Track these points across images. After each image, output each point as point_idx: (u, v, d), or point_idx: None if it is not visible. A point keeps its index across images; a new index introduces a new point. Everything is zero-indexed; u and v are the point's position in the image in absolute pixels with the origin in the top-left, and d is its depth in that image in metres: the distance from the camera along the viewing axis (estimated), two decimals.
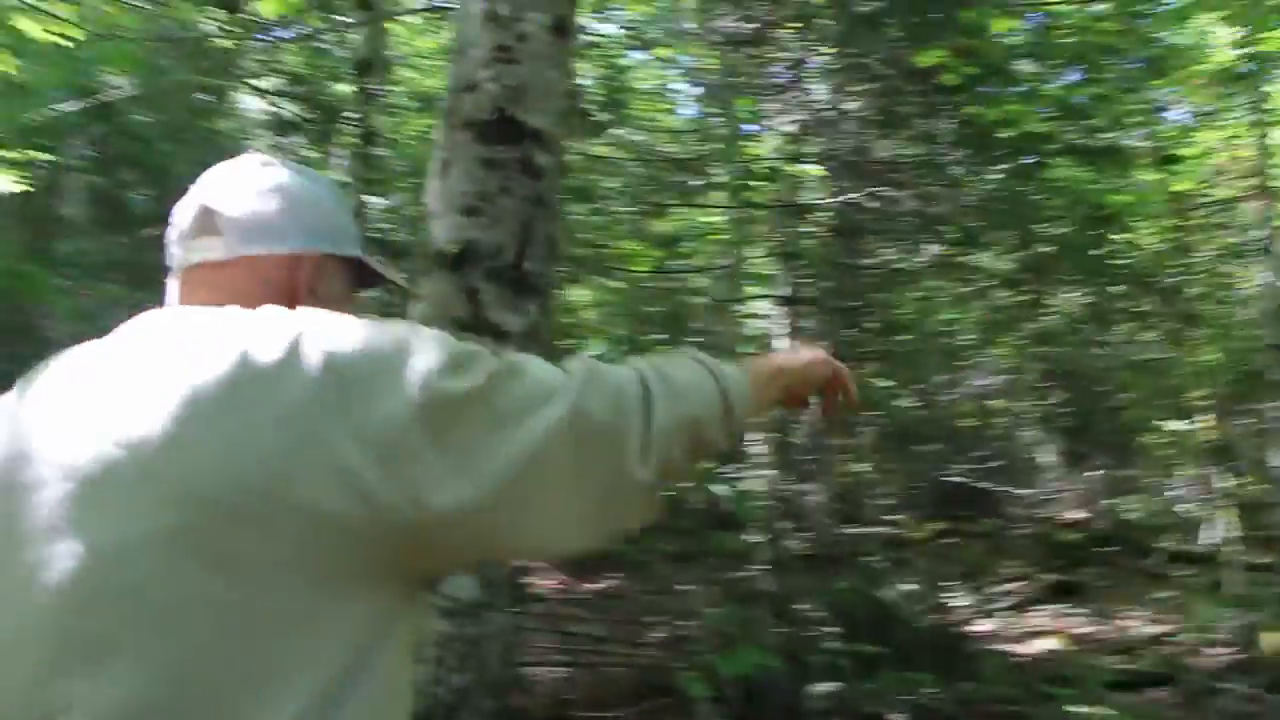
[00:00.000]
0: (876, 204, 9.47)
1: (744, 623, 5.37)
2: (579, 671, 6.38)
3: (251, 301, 1.12)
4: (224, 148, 14.66)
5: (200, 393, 0.98)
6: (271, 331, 1.03)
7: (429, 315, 2.71)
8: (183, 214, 1.28)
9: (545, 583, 10.57)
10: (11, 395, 1.12)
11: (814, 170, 8.25)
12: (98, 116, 11.38)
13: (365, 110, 5.91)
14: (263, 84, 13.43)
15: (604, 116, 10.35)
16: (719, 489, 4.80)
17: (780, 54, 8.64)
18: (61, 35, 5.47)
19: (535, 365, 1.12)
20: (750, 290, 10.94)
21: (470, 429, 1.02)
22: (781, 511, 6.08)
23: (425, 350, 1.04)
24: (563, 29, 2.86)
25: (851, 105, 9.65)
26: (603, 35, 9.53)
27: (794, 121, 9.23)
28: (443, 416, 1.01)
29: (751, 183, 7.41)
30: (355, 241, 1.34)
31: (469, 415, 1.03)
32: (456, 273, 2.69)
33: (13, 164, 7.83)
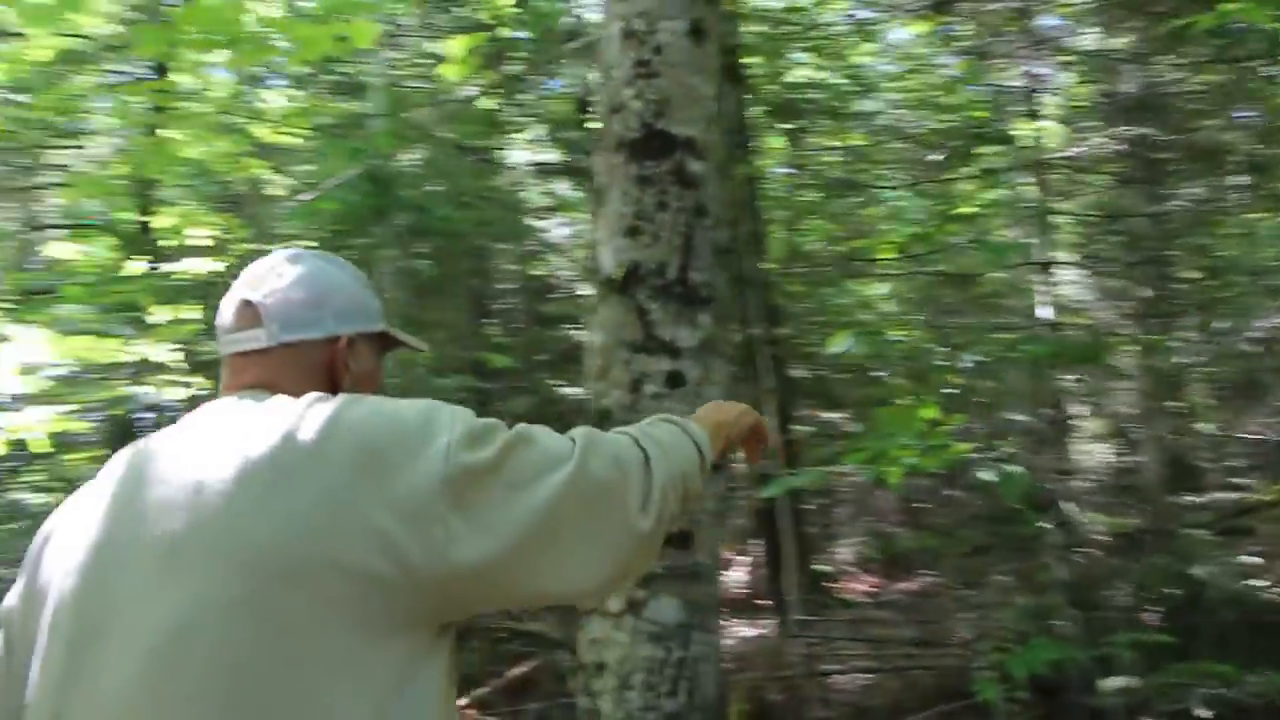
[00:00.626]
0: (1164, 141, 8.67)
1: (1038, 615, 5.01)
2: (883, 678, 6.18)
3: (294, 381, 1.34)
4: (500, 203, 15.51)
5: (253, 476, 1.15)
6: (311, 417, 1.20)
7: (604, 341, 2.71)
8: (226, 309, 1.44)
9: (858, 586, 10.36)
10: (104, 474, 1.32)
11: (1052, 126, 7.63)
12: (381, 194, 12.30)
13: (586, 145, 6.03)
14: (526, 135, 14.10)
15: (848, 106, 10.11)
16: (984, 473, 4.50)
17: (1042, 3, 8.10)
18: (290, 134, 5.96)
19: (544, 435, 1.28)
20: (1048, 256, 10.28)
21: (488, 494, 1.19)
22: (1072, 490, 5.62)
23: (446, 426, 1.21)
24: (700, 32, 2.79)
25: (1122, 42, 8.93)
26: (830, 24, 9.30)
27: (1063, 67, 8.64)
28: (463, 484, 1.17)
29: (1020, 143, 6.93)
30: (378, 315, 1.50)
31: (487, 482, 1.19)
32: (624, 295, 2.68)
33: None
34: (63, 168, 16.43)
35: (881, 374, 10.37)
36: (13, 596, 1.31)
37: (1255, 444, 12.33)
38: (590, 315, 2.77)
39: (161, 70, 10.99)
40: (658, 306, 2.64)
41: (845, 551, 11.57)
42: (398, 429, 1.20)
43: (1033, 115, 5.99)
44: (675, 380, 2.60)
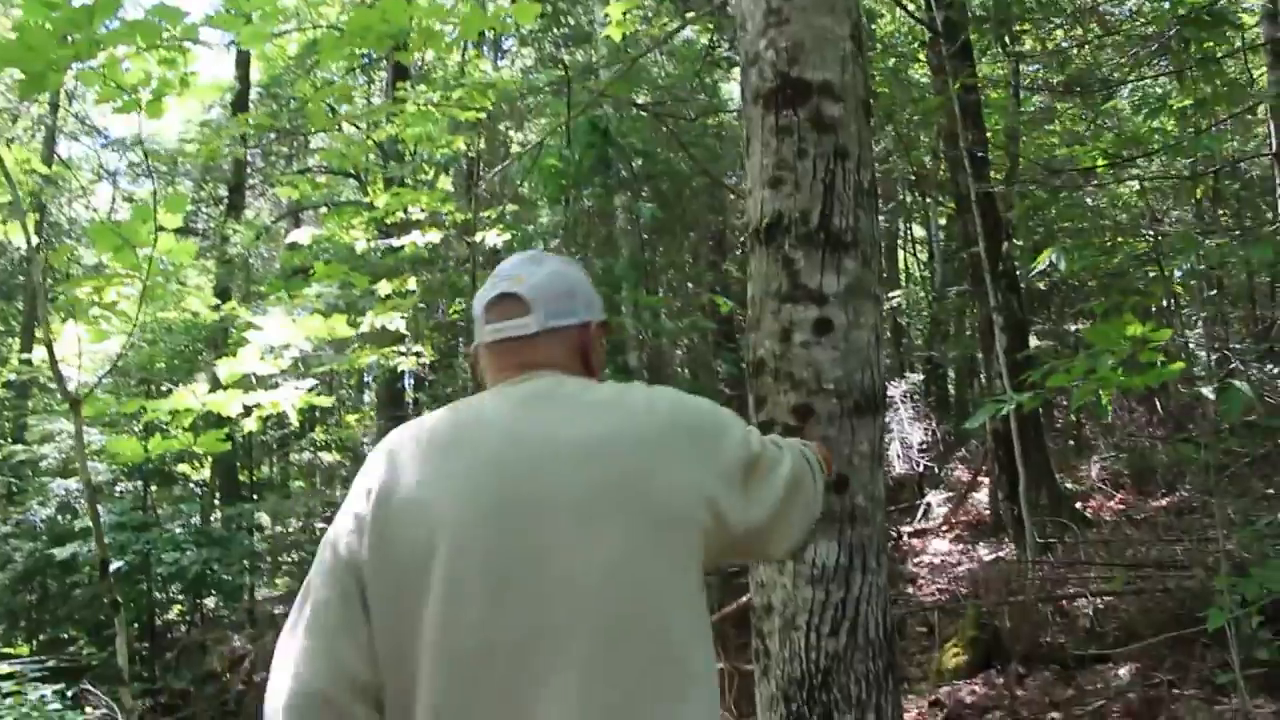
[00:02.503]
0: None
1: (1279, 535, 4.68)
2: (1118, 602, 5.94)
3: (562, 361, 1.69)
4: (727, 139, 15.48)
5: (633, 449, 1.50)
6: (645, 400, 1.61)
7: (756, 292, 2.77)
8: (486, 302, 1.73)
9: (1105, 505, 9.92)
10: (433, 437, 1.58)
11: None
12: (603, 143, 12.55)
13: None
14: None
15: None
16: (1207, 390, 4.25)
17: None
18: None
19: (760, 438, 1.80)
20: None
21: (760, 476, 1.70)
22: None
23: (730, 419, 1.73)
24: None
25: None
26: None
27: None
28: (750, 465, 1.67)
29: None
30: (603, 306, 1.87)
31: (760, 467, 1.71)
32: (770, 246, 2.72)
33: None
34: (316, 151, 17.68)
35: (1108, 285, 9.77)
36: (359, 549, 1.44)
37: None
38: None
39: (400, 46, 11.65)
40: (801, 255, 2.66)
41: (1094, 469, 11.09)
42: (705, 416, 1.66)
43: None
44: (823, 327, 2.62)
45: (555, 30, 16.54)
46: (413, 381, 14.62)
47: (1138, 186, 11.11)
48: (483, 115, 6.92)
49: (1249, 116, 9.02)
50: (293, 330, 5.00)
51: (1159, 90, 8.68)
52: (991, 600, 6.20)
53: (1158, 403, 11.97)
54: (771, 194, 2.74)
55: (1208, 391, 4.20)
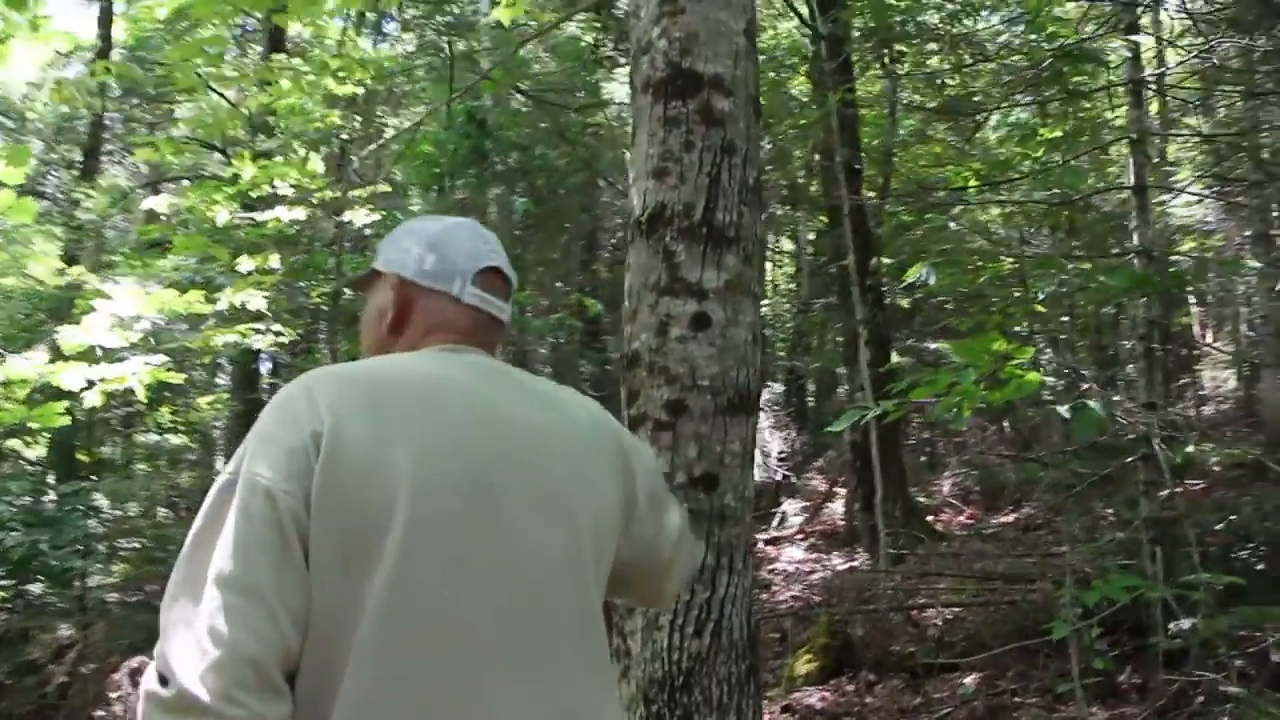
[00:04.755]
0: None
1: (1122, 552, 4.87)
2: (966, 613, 6.11)
3: (494, 351, 1.61)
4: (604, 140, 15.46)
5: (585, 452, 1.49)
6: (581, 403, 1.60)
7: (634, 284, 2.71)
8: (482, 266, 1.61)
9: (954, 519, 10.22)
10: (391, 396, 1.37)
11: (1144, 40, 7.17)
12: (479, 135, 12.37)
13: None
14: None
15: (951, 28, 9.75)
16: (1062, 409, 4.37)
17: None
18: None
19: None
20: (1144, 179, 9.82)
21: (664, 506, 1.71)
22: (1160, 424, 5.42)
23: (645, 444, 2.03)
24: None
25: None
26: None
27: None
28: (659, 495, 1.70)
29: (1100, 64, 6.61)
30: None
31: (665, 497, 1.73)
32: (651, 238, 2.67)
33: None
34: (181, 121, 16.99)
35: (969, 305, 10.09)
36: (299, 502, 1.21)
37: None
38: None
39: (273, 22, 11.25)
40: (683, 248, 2.62)
41: (945, 484, 11.42)
42: (626, 431, 1.79)
43: (1129, 30, 5.68)
44: (700, 322, 2.58)
45: (439, 17, 16.26)
46: (270, 365, 14.18)
47: (1000, 211, 11.49)
48: (359, 90, 6.71)
49: (1103, 155, 9.41)
50: (145, 301, 4.74)
51: (1028, 120, 8.98)
52: (844, 608, 6.30)
53: (1005, 423, 12.43)
54: (656, 184, 2.69)
55: (1062, 411, 4.30)
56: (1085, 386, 4.77)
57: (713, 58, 2.71)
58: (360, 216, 6.78)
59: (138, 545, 10.76)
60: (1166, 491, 4.82)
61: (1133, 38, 5.60)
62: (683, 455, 2.55)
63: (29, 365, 4.78)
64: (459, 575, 1.26)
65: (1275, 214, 11.04)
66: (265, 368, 14.35)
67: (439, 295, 1.55)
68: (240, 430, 11.85)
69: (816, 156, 11.27)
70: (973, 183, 6.96)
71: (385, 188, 8.76)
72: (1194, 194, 8.99)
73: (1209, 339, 16.38)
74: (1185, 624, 3.98)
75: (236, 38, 16.35)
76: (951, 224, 12.08)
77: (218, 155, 15.75)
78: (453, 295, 1.55)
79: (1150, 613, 4.50)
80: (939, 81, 9.25)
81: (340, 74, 5.93)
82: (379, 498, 1.23)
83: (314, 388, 1.31)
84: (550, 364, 16.14)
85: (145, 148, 5.52)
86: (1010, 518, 9.82)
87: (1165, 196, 10.13)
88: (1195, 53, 6.07)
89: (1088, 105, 7.29)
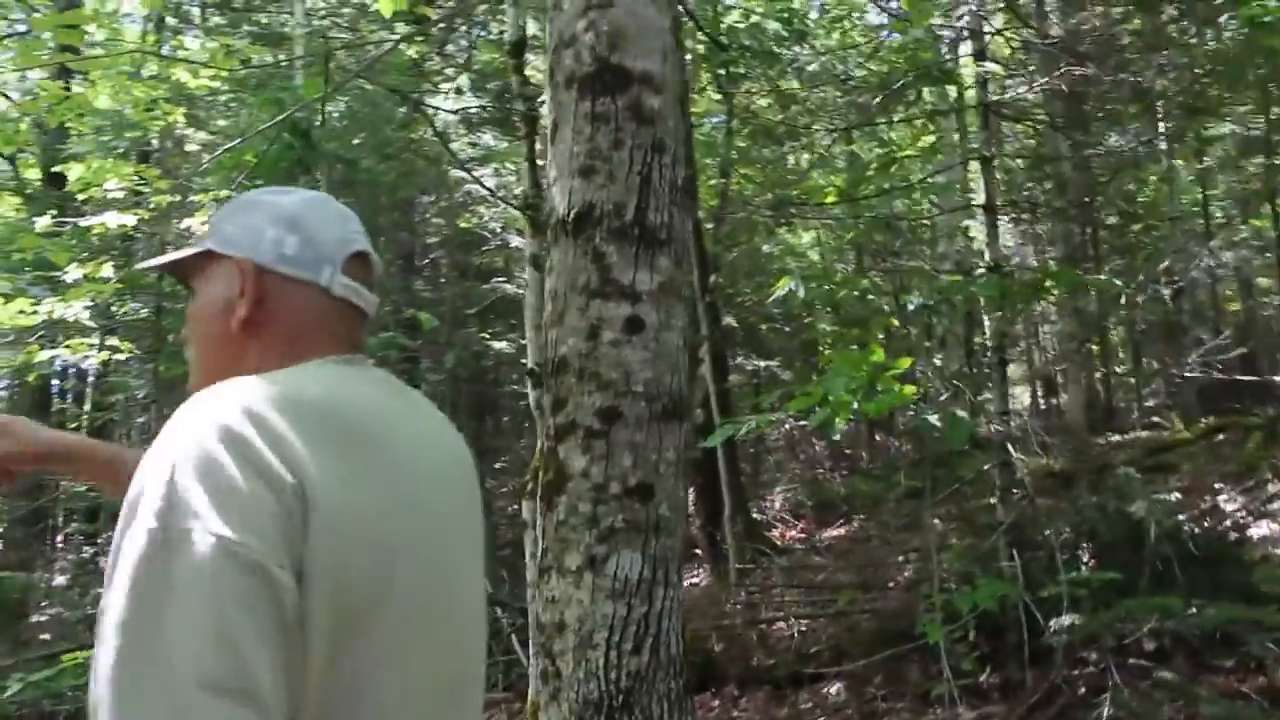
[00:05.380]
0: (1090, 88, 8.70)
1: (981, 557, 5.04)
2: (822, 623, 6.19)
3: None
4: (426, 155, 15.15)
5: (466, 475, 1.31)
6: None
7: (559, 286, 2.60)
8: (352, 251, 1.29)
9: (790, 534, 10.42)
10: (344, 432, 1.09)
11: (995, 67, 7.57)
12: (303, 146, 11.90)
13: (522, 91, 5.86)
14: (452, 85, 13.77)
15: (784, 50, 10.00)
16: (927, 419, 4.49)
17: None
18: (215, 78, 5.68)
19: None
20: (970, 200, 10.31)
21: None
22: (1019, 431, 5.65)
23: None
24: None
25: None
26: None
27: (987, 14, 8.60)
28: None
29: (942, 89, 6.89)
30: None
31: None
32: (579, 238, 2.56)
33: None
34: None
35: (813, 320, 10.37)
36: (283, 568, 0.94)
37: (1171, 383, 12.61)
38: (525, 265, 2.66)
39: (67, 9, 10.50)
40: (614, 249, 2.52)
41: (777, 499, 11.64)
42: None
43: (978, 56, 5.94)
44: (634, 325, 2.49)
45: (245, 26, 15.59)
46: (93, 379, 13.08)
47: (815, 232, 11.84)
48: (164, 94, 6.27)
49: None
50: None
51: (891, 137, 9.26)
52: (701, 624, 6.28)
53: (815, 440, 12.82)
54: (582, 183, 2.59)
55: (934, 419, 4.42)
56: (944, 396, 4.91)
57: (641, 54, 2.63)
58: (192, 224, 6.32)
59: None
60: (1020, 496, 5.01)
61: (985, 64, 5.86)
62: (617, 464, 2.45)
63: None
64: (429, 632, 1.09)
65: (1077, 239, 11.79)
66: (65, 386, 13.33)
67: (304, 286, 1.25)
68: None
69: None
70: (832, 197, 7.12)
71: (227, 193, 8.28)
72: (1008, 213, 9.47)
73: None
74: (1065, 621, 4.12)
75: (13, 37, 15.27)
76: (765, 246, 12.41)
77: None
78: (321, 286, 1.25)
79: (1010, 614, 4.65)
80: (785, 103, 9.48)
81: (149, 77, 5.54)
82: (372, 564, 1.02)
83: (267, 421, 1.01)
84: None
85: None
86: (840, 531, 10.08)
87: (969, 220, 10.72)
88: (1044, 79, 6.40)
89: (932, 128, 7.60)
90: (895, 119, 7.32)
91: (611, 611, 2.42)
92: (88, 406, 13.58)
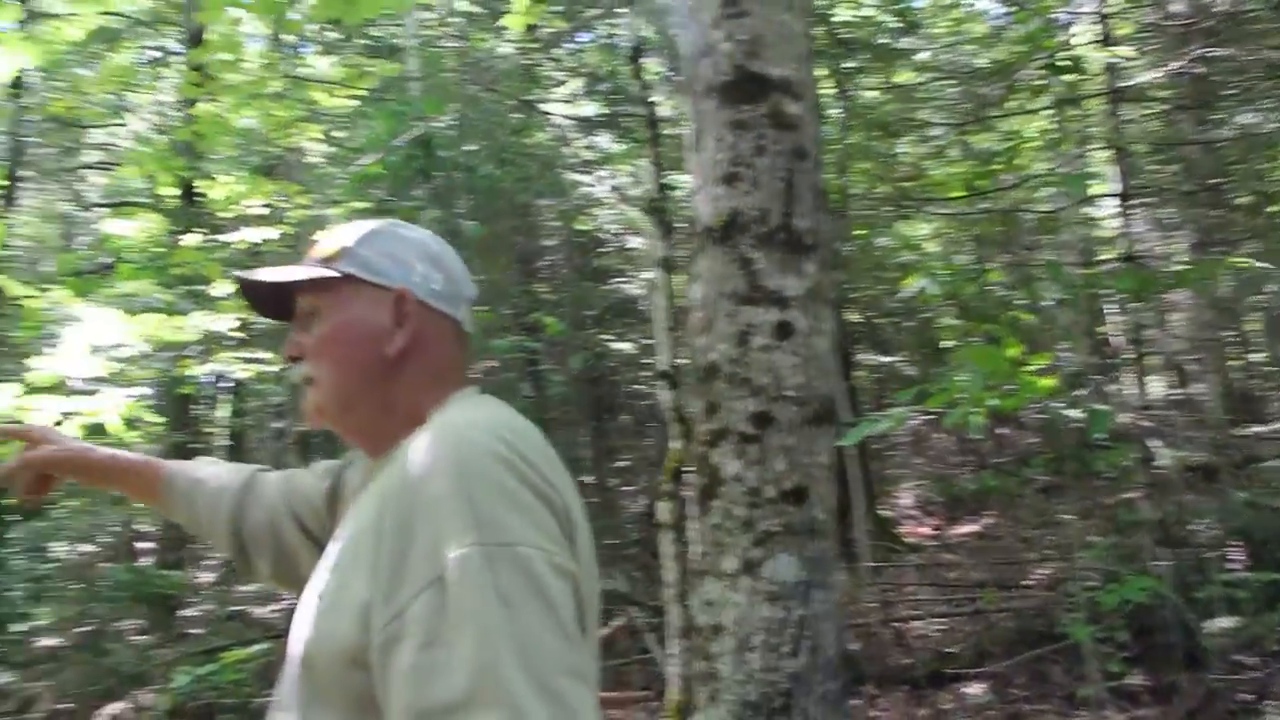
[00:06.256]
0: (1218, 66, 8.38)
1: (1127, 554, 4.90)
2: (960, 621, 6.10)
3: None
4: (541, 159, 15.37)
5: None
6: None
7: (706, 293, 2.63)
8: (472, 293, 1.38)
9: (920, 531, 10.27)
10: (539, 444, 1.18)
11: (1125, 51, 7.34)
12: (425, 156, 12.18)
13: (643, 95, 5.92)
14: (566, 89, 13.92)
15: (895, 43, 9.86)
16: (1062, 412, 4.39)
17: None
18: (349, 97, 5.87)
19: None
20: (1093, 190, 10.00)
21: None
22: (1158, 424, 5.49)
23: None
24: None
25: None
26: None
27: None
28: None
29: (1067, 77, 6.71)
30: None
31: None
32: (726, 245, 2.59)
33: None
34: (105, 146, 16.48)
35: (935, 316, 10.19)
36: (568, 557, 1.10)
37: None
38: (650, 268, 2.69)
39: (196, 41, 10.95)
40: (761, 255, 2.55)
41: (906, 496, 11.48)
42: None
43: (1104, 41, 5.77)
44: (784, 330, 2.51)
45: (360, 39, 15.99)
46: (229, 387, 13.59)
47: (940, 225, 11.63)
48: (295, 112, 6.52)
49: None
50: (126, 327, 4.48)
51: (1017, 129, 9.03)
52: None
53: (940, 434, 12.58)
54: (726, 191, 2.62)
55: (1076, 413, 4.32)
56: (1086, 391, 4.80)
57: (780, 60, 2.65)
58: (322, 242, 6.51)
59: (74, 586, 10.31)
60: (1164, 491, 4.86)
61: (1113, 49, 5.70)
62: (771, 468, 2.47)
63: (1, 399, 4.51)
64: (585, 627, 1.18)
65: (1208, 223, 11.34)
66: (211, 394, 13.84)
67: (446, 320, 1.33)
68: None
69: None
70: (953, 192, 7.01)
71: (360, 205, 8.54)
72: (1138, 200, 9.16)
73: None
74: (1223, 623, 4.00)
75: (152, 62, 15.92)
76: (884, 240, 12.22)
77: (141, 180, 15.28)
78: (459, 322, 1.34)
79: (1160, 615, 4.52)
80: (884, 99, 9.34)
81: (278, 94, 5.74)
82: (588, 578, 1.16)
83: (522, 448, 1.12)
84: (488, 390, 15.89)
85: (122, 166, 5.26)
86: (973, 526, 9.89)
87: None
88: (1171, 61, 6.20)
89: (1056, 116, 7.41)
90: (1017, 109, 7.15)
91: (769, 614, 2.45)
92: (221, 413, 14.10)
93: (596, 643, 1.18)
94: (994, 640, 5.48)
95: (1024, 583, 6.45)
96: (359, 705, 1.06)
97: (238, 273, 1.38)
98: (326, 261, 1.33)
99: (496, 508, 1.04)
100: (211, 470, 1.68)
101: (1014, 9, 8.87)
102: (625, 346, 12.78)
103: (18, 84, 15.33)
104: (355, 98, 8.52)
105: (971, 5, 10.76)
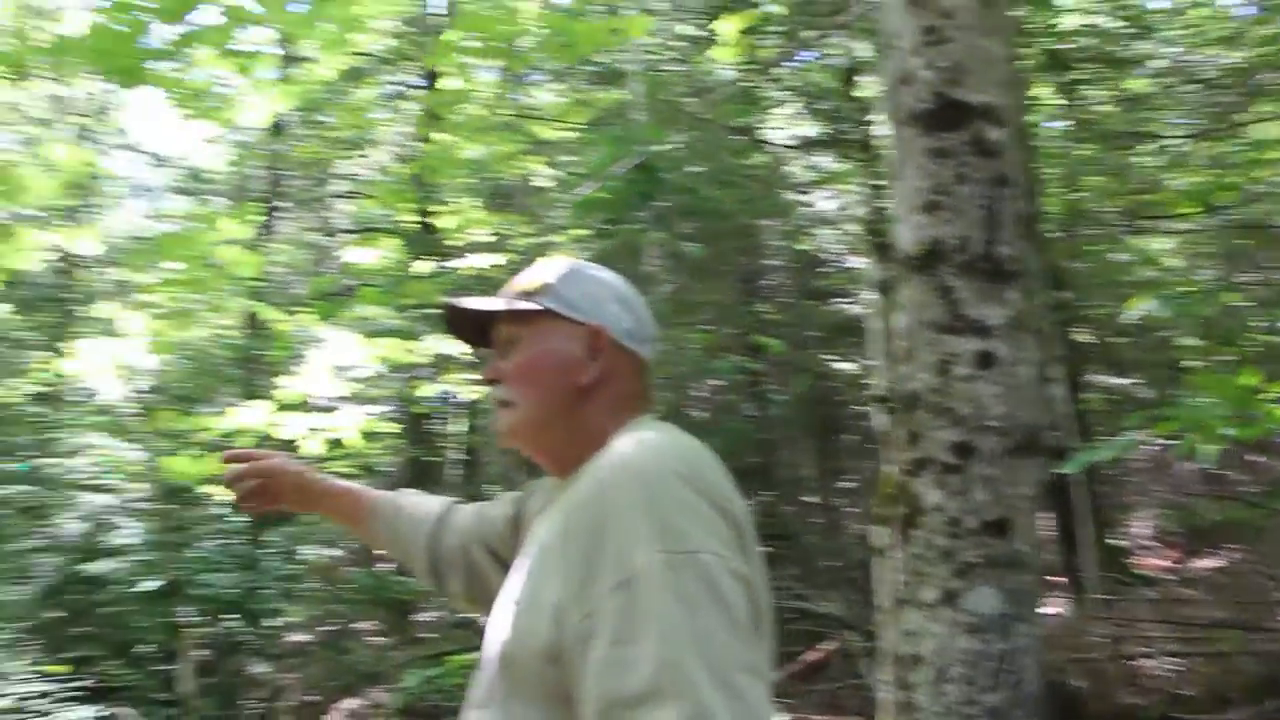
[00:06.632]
0: None
1: None
2: (1198, 662, 5.74)
3: None
4: (764, 180, 15.44)
5: None
6: None
7: (909, 322, 2.63)
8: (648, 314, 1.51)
9: (1156, 562, 9.70)
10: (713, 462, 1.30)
11: None
12: (648, 180, 12.46)
13: (858, 116, 5.91)
14: (786, 110, 13.94)
15: (1126, 49, 9.40)
16: None
17: None
18: (568, 128, 6.11)
19: None
20: None
21: None
22: None
23: None
24: None
25: None
26: None
27: None
28: None
29: None
30: None
31: None
32: (927, 274, 2.59)
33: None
34: (350, 177, 17.66)
35: (1173, 336, 9.59)
36: (743, 563, 1.18)
37: None
38: (868, 290, 2.70)
39: (431, 78, 11.62)
40: (963, 284, 2.53)
41: (1141, 525, 10.85)
42: None
43: None
44: (985, 360, 2.48)
45: (585, 66, 16.46)
46: (467, 411, 14.25)
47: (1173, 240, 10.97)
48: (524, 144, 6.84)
49: None
50: (364, 349, 4.85)
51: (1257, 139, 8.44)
52: (1058, 657, 6.00)
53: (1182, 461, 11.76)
54: (927, 219, 2.61)
55: None
56: None
57: (981, 87, 2.63)
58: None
59: (318, 587, 11.07)
60: None
61: None
62: (972, 499, 2.45)
63: (256, 416, 4.94)
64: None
65: None
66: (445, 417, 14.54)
67: (633, 356, 1.44)
68: (411, 479, 12.04)
69: None
70: (1184, 205, 6.62)
71: (585, 231, 8.87)
72: None
73: None
74: None
75: (393, 96, 16.89)
76: (1118, 256, 11.59)
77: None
78: (643, 359, 1.46)
79: None
80: (1114, 109, 8.89)
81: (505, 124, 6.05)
82: (761, 583, 1.24)
83: (698, 464, 1.25)
84: (710, 409, 16.00)
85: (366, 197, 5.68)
86: (1216, 560, 9.26)
87: None
88: None
89: None
90: (1271, 114, 6.66)
91: (967, 646, 2.42)
92: (453, 429, 14.79)
93: (771, 644, 1.24)
94: (1236, 685, 5.13)
95: (1272, 624, 6.00)
96: (554, 698, 1.17)
97: (447, 298, 1.54)
98: (528, 296, 1.45)
99: (678, 518, 1.15)
100: (413, 500, 1.86)
101: (1262, 6, 8.33)
102: (849, 366, 12.66)
103: (276, 125, 16.66)
104: (577, 127, 8.85)
105: (1211, 2, 10.12)
